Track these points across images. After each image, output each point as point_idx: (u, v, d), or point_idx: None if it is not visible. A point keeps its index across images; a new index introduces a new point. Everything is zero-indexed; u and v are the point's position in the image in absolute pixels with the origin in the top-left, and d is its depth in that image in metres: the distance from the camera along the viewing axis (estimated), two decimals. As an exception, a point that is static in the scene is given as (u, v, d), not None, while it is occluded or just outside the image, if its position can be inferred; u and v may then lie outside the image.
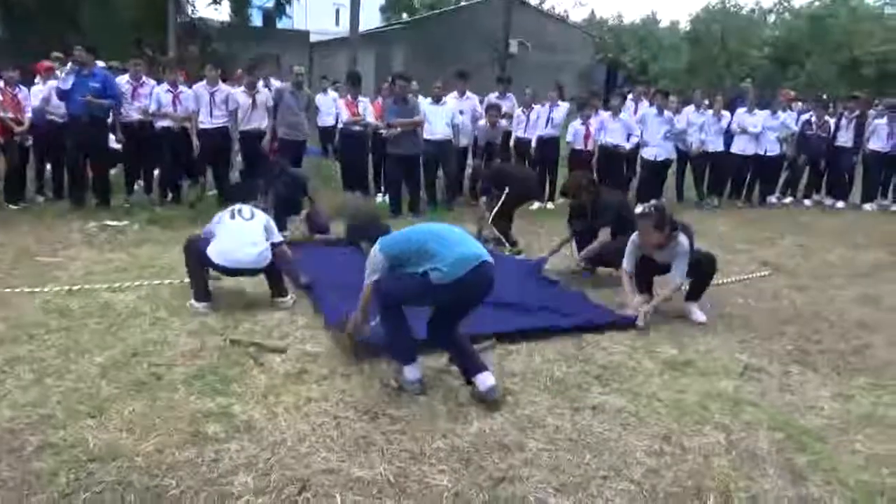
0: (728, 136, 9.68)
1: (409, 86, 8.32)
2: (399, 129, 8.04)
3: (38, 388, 3.16)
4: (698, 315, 4.49)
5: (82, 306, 4.34)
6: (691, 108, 9.77)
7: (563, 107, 9.54)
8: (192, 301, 4.37)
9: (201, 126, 8.00)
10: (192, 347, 3.75)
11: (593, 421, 3.07)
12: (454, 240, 3.26)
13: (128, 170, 8.31)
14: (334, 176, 9.79)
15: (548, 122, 9.27)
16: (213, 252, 4.33)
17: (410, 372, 3.29)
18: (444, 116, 8.64)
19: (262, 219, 4.53)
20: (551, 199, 9.67)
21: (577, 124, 9.21)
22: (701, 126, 9.51)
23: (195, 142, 8.03)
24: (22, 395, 3.09)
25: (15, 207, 7.39)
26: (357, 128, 9.25)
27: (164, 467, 2.55)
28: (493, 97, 9.87)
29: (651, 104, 9.60)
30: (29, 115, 7.61)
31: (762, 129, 9.60)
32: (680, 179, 9.84)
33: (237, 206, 4.55)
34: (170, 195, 8.20)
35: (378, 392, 3.26)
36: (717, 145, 9.58)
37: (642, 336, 4.11)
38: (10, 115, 7.41)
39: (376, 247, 3.24)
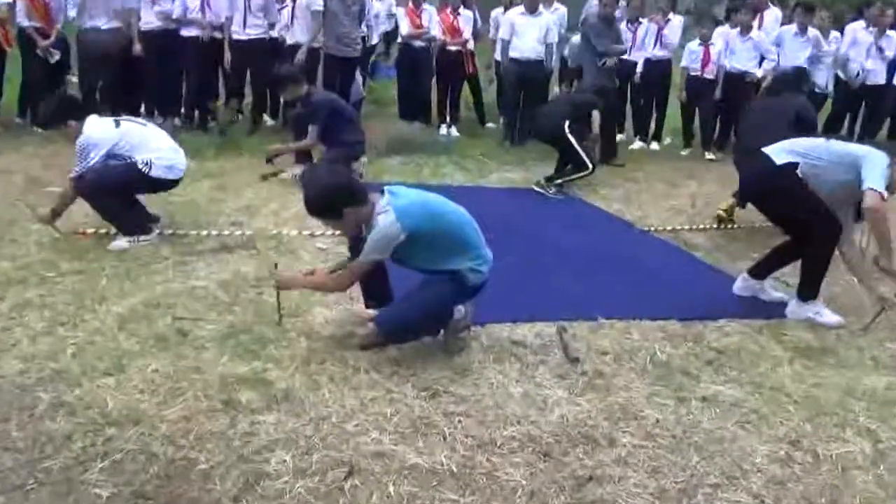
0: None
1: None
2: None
3: (50, 339, 3.32)
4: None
5: (96, 247, 4.52)
6: (860, 24, 9.21)
7: (678, 21, 9.18)
8: (125, 239, 4.54)
9: (234, 37, 8.10)
10: (223, 300, 3.86)
11: (703, 416, 3.03)
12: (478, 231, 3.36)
13: (146, 87, 8.51)
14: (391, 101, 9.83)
15: (657, 41, 8.95)
16: (161, 167, 4.60)
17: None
18: (537, 31, 8.47)
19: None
20: (657, 138, 9.45)
21: (693, 45, 8.87)
22: (868, 49, 8.99)
23: (227, 55, 8.15)
24: (32, 346, 3.25)
25: (21, 122, 7.71)
26: (420, 42, 9.19)
27: (190, 437, 2.66)
28: (594, 3, 9.56)
29: (791, 21, 9.12)
30: (59, 25, 7.82)
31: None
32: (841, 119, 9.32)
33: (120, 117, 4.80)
34: (196, 118, 8.37)
35: (440, 365, 3.29)
36: (878, 76, 9.08)
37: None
38: (38, 24, 7.61)
39: (392, 216, 3.10)
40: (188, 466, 2.51)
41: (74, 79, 8.29)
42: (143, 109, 8.33)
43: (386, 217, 3.12)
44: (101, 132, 4.51)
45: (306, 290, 3.70)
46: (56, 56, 7.74)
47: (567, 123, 6.72)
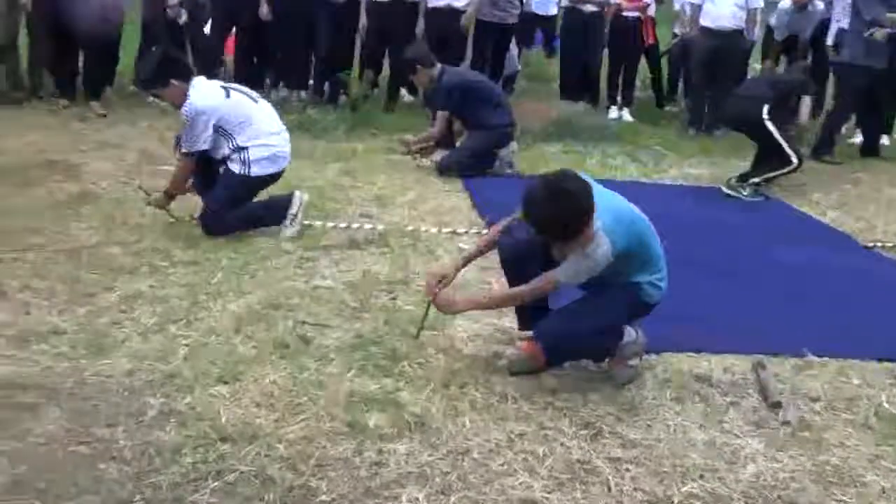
0: None
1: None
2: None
3: (161, 338, 3.53)
4: None
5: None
6: None
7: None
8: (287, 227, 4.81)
9: (372, -2, 8.35)
10: (350, 305, 3.97)
11: (945, 489, 2.82)
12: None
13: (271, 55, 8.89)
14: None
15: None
16: (260, 160, 4.73)
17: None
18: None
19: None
20: (888, 130, 8.95)
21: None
22: None
23: (363, 19, 8.38)
24: (143, 343, 3.46)
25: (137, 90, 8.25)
26: (589, 7, 9.14)
27: (311, 462, 2.73)
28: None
29: None
30: None
31: None
32: None
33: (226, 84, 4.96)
34: (326, 91, 8.67)
35: (605, 398, 3.24)
36: None
37: None
38: None
39: (607, 245, 3.02)
40: (308, 496, 2.59)
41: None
42: (266, 81, 8.73)
43: (601, 245, 3.03)
44: (209, 98, 4.65)
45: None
46: (184, 16, 8.22)
47: (767, 109, 6.47)
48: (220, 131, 4.68)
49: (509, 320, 3.83)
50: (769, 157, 6.62)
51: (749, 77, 8.62)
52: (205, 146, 4.66)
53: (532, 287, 3.22)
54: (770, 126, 6.46)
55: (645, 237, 3.24)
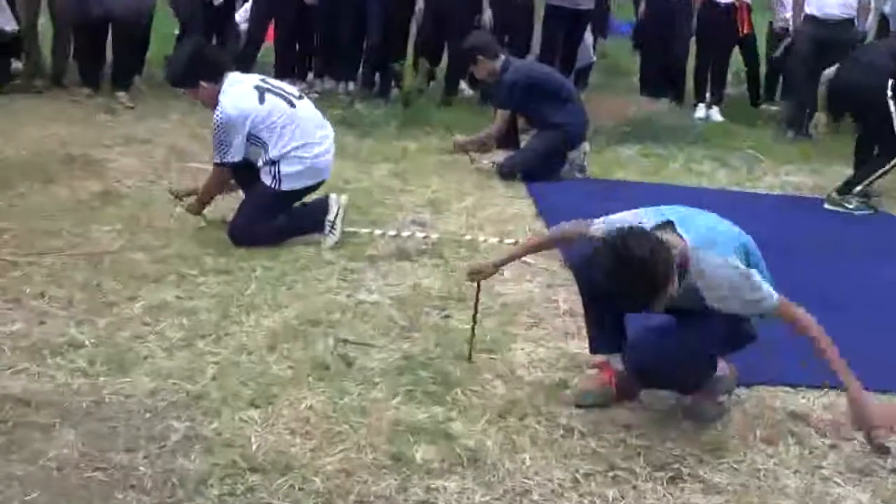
0: None
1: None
2: None
3: (187, 354, 3.57)
4: None
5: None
6: None
7: None
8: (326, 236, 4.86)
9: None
10: (399, 322, 3.98)
11: None
12: None
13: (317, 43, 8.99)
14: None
15: None
16: (292, 175, 4.78)
17: None
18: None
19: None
20: None
21: None
22: None
23: (419, 3, 8.43)
24: (168, 360, 3.51)
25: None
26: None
27: (350, 498, 2.73)
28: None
29: None
30: None
31: None
32: None
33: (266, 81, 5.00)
34: (377, 82, 8.72)
35: (686, 437, 3.20)
36: None
37: None
38: None
39: (751, 271, 3.06)
40: (345, 536, 2.60)
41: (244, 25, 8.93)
42: (311, 72, 8.82)
43: (722, 267, 3.03)
44: (240, 104, 4.69)
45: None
46: None
47: (891, 84, 6.24)
48: (253, 139, 4.73)
49: (576, 344, 3.81)
50: (870, 149, 6.45)
51: (866, 43, 8.35)
52: (238, 157, 4.73)
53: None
54: (892, 105, 6.24)
55: (753, 256, 3.22)
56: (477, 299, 3.71)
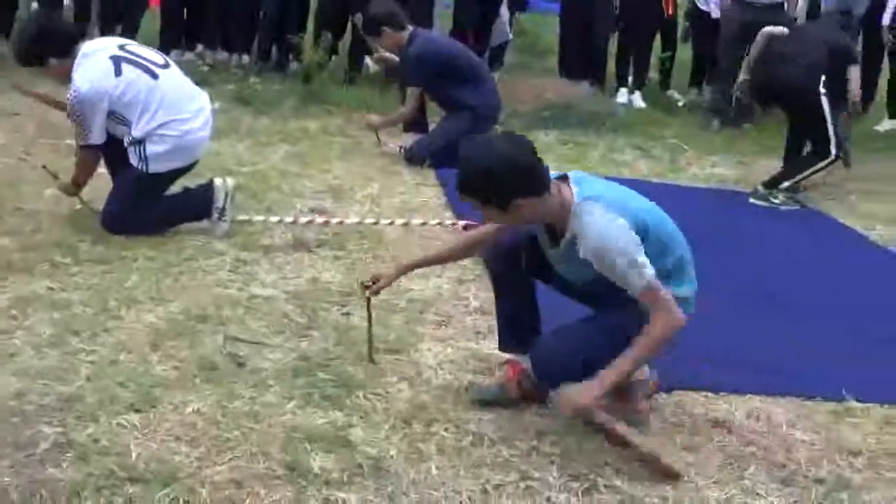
0: None
1: None
2: None
3: (59, 353, 3.48)
4: None
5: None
6: None
7: None
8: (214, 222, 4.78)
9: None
10: (295, 320, 3.95)
11: None
12: None
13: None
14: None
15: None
16: (158, 154, 4.62)
17: None
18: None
19: None
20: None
21: None
22: None
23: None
24: (37, 359, 3.41)
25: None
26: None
27: (240, 511, 2.72)
28: None
29: None
30: None
31: None
32: None
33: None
34: (274, 55, 8.64)
35: (601, 444, 3.23)
36: None
37: None
38: None
39: (612, 214, 3.05)
40: (235, 554, 2.58)
41: None
42: (201, 42, 8.69)
43: (602, 218, 3.04)
44: (95, 80, 4.51)
45: None
46: None
47: (823, 81, 6.42)
48: (114, 117, 4.59)
49: (487, 344, 3.83)
50: (800, 143, 6.65)
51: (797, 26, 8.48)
52: (102, 138, 4.61)
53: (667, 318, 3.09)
54: (825, 105, 6.42)
55: (669, 237, 3.23)
56: (369, 312, 3.63)
